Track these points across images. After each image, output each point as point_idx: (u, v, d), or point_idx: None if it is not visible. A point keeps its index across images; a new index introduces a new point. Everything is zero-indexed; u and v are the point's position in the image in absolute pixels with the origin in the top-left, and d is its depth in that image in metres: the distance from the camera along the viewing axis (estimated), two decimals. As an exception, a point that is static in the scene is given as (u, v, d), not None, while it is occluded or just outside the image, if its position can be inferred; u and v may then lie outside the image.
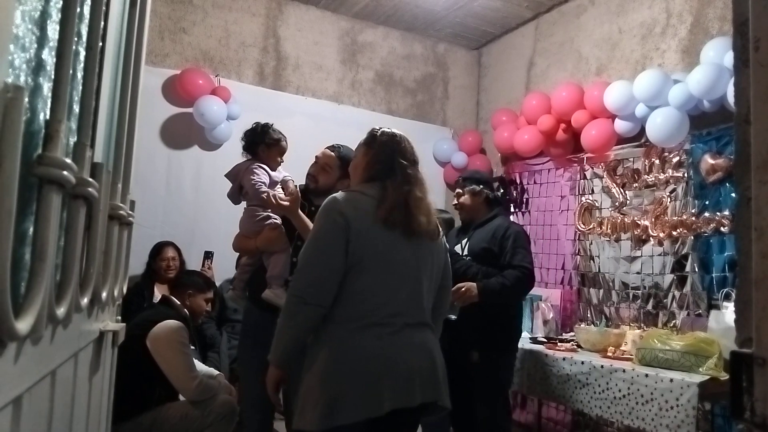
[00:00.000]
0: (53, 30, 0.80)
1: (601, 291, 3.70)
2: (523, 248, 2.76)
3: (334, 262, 1.62)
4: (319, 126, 4.23)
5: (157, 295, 3.59)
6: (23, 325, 0.67)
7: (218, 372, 3.05)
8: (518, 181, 4.49)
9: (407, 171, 1.76)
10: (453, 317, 2.63)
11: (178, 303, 2.82)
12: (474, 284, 2.65)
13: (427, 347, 1.71)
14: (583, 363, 2.86)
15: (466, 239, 2.93)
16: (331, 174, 2.34)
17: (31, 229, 0.76)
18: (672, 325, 3.14)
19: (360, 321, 1.62)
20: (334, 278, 1.62)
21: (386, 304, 1.65)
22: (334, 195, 1.74)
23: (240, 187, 2.42)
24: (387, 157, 1.77)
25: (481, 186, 2.94)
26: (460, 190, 2.97)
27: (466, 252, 2.90)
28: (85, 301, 1.05)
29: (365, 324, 1.62)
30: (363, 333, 1.61)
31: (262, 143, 2.47)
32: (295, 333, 1.65)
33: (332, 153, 2.38)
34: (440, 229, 1.84)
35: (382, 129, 1.86)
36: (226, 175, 2.50)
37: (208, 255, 3.80)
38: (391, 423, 1.59)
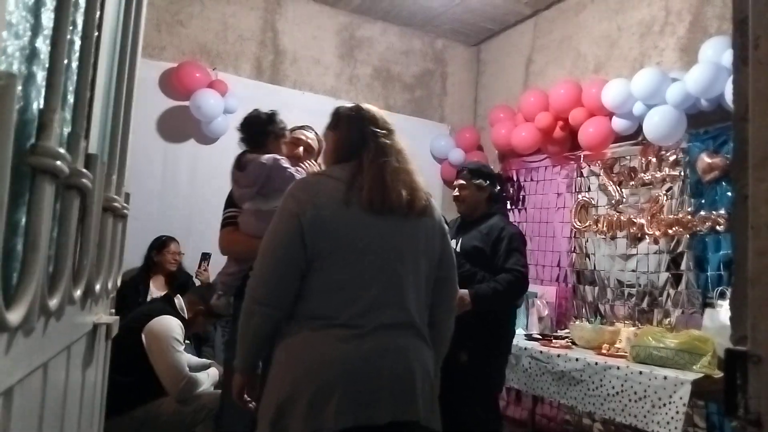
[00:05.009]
0: (48, 18, 0.79)
1: (597, 288, 3.71)
2: (518, 251, 2.68)
3: (288, 258, 1.43)
4: (316, 121, 4.17)
5: (152, 289, 3.60)
6: (15, 316, 0.66)
7: (211, 360, 3.06)
8: (515, 178, 4.49)
9: (380, 140, 1.54)
10: None
11: (180, 307, 2.79)
12: (466, 291, 2.53)
13: (405, 354, 1.43)
14: (577, 360, 2.87)
15: (460, 236, 2.83)
16: (312, 155, 2.36)
17: (24, 220, 0.75)
18: (667, 323, 3.15)
19: (324, 320, 1.42)
20: (288, 276, 1.44)
21: (355, 301, 1.42)
22: (297, 179, 1.56)
23: (262, 186, 2.10)
24: (357, 130, 1.57)
25: (488, 182, 2.82)
26: (464, 182, 2.81)
27: (458, 250, 2.81)
28: (78, 293, 1.04)
29: (329, 324, 1.41)
30: (325, 333, 1.41)
31: (272, 133, 2.20)
32: (253, 336, 1.50)
33: (313, 135, 2.38)
34: (431, 206, 1.57)
35: (344, 106, 1.68)
36: (245, 173, 2.10)
37: (206, 257, 3.74)
38: None
